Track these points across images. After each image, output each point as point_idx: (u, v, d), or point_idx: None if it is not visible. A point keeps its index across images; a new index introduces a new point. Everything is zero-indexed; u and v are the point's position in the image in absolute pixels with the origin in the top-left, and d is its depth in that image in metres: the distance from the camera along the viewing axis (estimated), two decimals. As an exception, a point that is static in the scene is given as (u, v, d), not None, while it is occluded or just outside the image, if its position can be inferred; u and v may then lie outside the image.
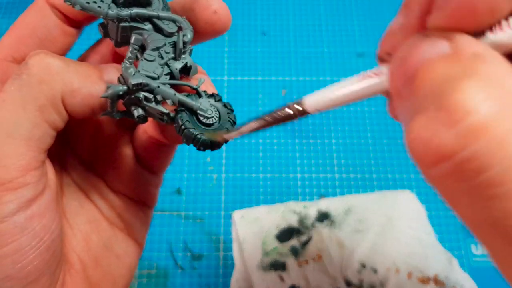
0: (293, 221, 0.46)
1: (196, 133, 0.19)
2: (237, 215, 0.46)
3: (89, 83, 0.18)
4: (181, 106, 0.20)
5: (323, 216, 0.46)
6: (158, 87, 0.19)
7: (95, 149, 0.24)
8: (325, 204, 0.47)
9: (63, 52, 0.22)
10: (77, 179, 0.24)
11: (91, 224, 0.23)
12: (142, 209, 0.25)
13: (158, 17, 0.20)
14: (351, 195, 0.48)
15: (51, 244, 0.19)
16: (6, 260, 0.17)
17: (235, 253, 0.45)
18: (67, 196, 0.23)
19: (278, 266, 0.44)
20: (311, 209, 0.46)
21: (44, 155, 0.18)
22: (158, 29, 0.20)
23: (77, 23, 0.22)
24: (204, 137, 0.19)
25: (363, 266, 0.44)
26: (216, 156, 0.51)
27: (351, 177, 0.50)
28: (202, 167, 0.50)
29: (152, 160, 0.25)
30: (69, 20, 0.21)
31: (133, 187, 0.24)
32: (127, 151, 0.24)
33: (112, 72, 0.19)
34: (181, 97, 0.20)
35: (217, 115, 0.21)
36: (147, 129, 0.23)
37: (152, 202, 0.26)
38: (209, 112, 0.20)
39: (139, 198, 0.25)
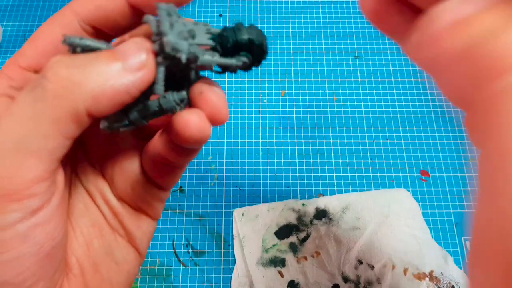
0: (292, 219, 0.47)
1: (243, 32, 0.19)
2: (237, 213, 0.47)
3: (112, 80, 0.17)
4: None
5: (321, 214, 0.47)
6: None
7: (106, 154, 0.24)
8: (323, 202, 0.48)
9: None
10: (85, 182, 0.23)
11: (94, 227, 0.23)
12: (145, 219, 0.25)
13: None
14: (349, 193, 0.49)
15: (51, 250, 0.18)
16: (4, 267, 0.17)
17: (236, 249, 0.46)
18: (73, 198, 0.23)
19: (277, 262, 0.45)
20: (310, 207, 0.47)
21: (56, 164, 0.17)
22: None
23: (107, 37, 0.21)
24: (246, 35, 0.19)
25: (360, 262, 0.45)
26: (217, 156, 0.52)
27: (349, 176, 0.51)
28: (204, 166, 0.51)
29: (157, 177, 0.24)
30: (100, 34, 0.21)
31: (137, 197, 0.24)
32: (136, 162, 0.24)
33: (134, 51, 0.17)
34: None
35: None
36: (156, 145, 0.22)
37: (155, 215, 0.25)
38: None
39: (142, 209, 0.24)
